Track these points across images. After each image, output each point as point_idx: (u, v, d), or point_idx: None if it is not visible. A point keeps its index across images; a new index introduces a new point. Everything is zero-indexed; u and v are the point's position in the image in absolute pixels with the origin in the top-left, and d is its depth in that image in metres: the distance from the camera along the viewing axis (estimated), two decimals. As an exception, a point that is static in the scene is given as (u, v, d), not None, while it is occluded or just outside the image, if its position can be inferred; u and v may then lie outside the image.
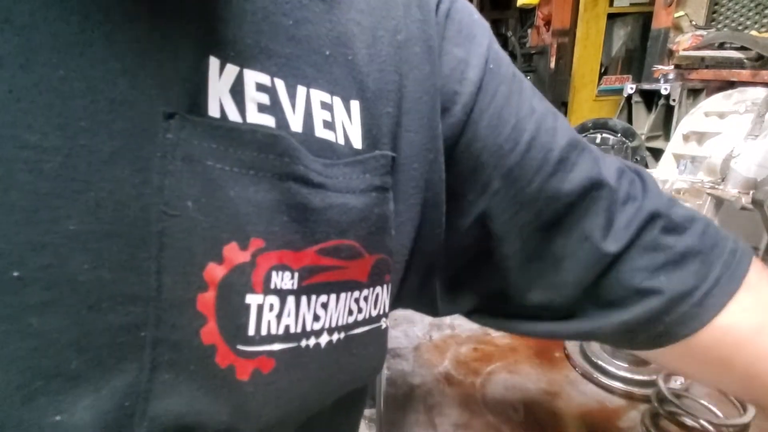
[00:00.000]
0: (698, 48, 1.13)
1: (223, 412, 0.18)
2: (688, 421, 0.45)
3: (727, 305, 0.25)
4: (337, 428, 0.28)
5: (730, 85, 1.00)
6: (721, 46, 1.08)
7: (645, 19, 2.03)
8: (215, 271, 0.17)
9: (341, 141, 0.21)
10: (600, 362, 0.55)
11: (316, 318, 0.20)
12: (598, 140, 1.08)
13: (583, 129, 1.24)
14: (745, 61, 1.01)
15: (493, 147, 0.25)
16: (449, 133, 0.24)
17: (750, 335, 0.25)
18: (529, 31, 2.81)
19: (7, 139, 0.14)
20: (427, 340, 0.65)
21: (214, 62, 0.17)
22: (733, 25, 1.19)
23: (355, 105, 0.21)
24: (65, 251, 0.15)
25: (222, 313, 0.17)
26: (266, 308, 0.18)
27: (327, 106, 0.20)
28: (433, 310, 0.30)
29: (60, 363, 0.15)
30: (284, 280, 0.18)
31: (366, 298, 0.22)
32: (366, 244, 0.21)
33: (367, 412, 1.66)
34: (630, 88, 1.27)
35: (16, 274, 0.15)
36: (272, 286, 0.18)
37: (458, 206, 0.26)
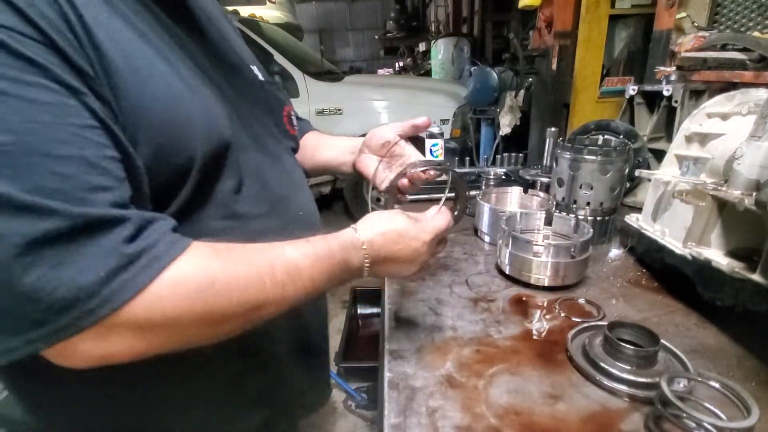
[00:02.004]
0: (700, 49, 1.13)
1: None
2: (692, 424, 0.44)
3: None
4: None
5: (733, 86, 1.00)
6: (724, 48, 1.07)
7: (647, 20, 2.03)
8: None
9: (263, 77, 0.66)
10: (603, 364, 0.55)
11: None
12: (600, 142, 1.08)
13: (585, 131, 1.23)
14: (747, 62, 1.00)
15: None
16: None
17: None
18: (531, 33, 2.81)
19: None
20: (429, 341, 0.65)
21: (253, 68, 0.64)
22: (736, 26, 1.19)
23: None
24: None
25: None
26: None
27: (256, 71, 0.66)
28: None
29: None
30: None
31: None
32: None
33: (368, 414, 1.66)
34: (632, 89, 1.27)
35: None
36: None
37: None
